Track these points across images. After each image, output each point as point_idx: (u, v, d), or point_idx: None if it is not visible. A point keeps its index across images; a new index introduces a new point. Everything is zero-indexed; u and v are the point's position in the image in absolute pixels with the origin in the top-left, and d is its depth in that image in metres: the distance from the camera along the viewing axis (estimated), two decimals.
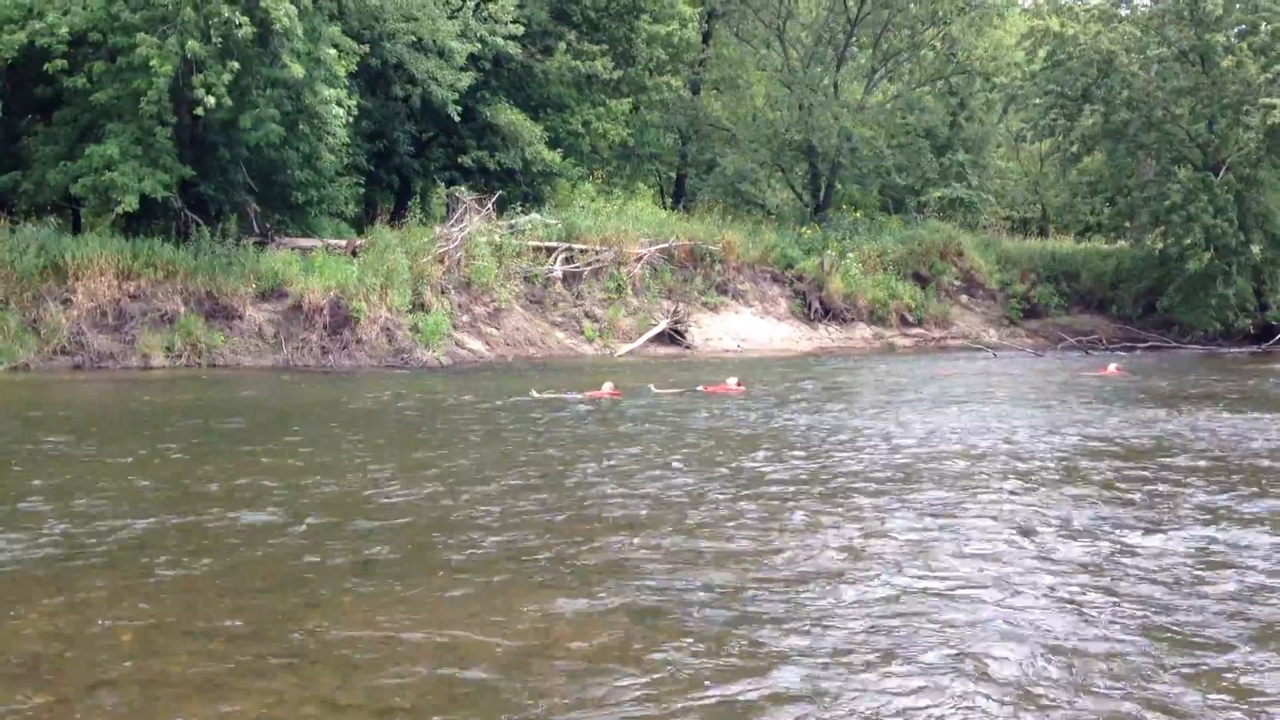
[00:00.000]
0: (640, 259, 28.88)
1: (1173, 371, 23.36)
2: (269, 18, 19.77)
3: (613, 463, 10.84)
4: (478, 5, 26.96)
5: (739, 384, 17.63)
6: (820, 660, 5.57)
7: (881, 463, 11.04)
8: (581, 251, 28.06)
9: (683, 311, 28.22)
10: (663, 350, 26.82)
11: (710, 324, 29.15)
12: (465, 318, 24.63)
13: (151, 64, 19.49)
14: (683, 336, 27.68)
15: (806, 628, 6.04)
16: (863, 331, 31.39)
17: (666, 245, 29.72)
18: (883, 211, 38.96)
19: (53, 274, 20.00)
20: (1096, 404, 16.63)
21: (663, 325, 27.59)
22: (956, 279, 34.10)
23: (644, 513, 8.69)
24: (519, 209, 28.13)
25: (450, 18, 25.91)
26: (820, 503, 9.12)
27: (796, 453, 11.49)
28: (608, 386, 16.47)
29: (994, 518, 8.61)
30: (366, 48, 23.97)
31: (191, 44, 19.53)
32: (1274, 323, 32.77)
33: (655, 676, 5.33)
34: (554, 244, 27.72)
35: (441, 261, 24.67)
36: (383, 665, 5.46)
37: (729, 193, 36.58)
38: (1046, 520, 8.57)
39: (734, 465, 10.75)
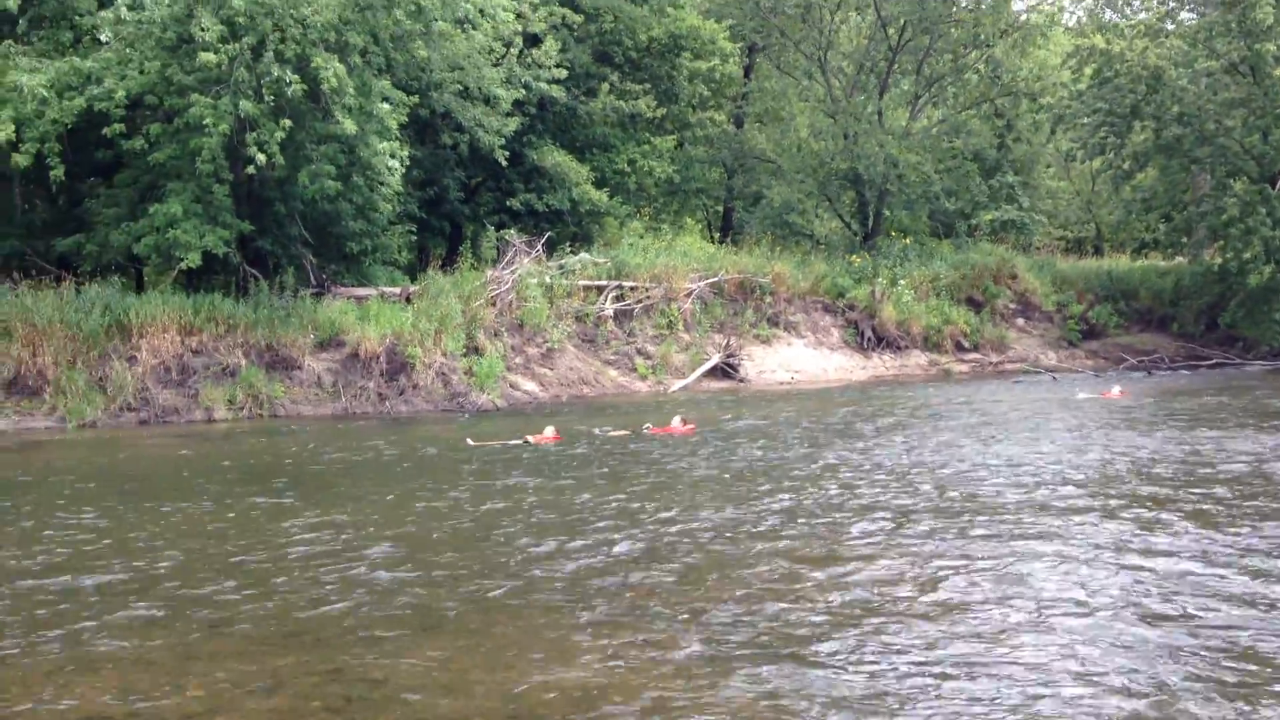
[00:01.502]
0: (690, 294, 28.94)
1: (1195, 392, 22.80)
2: (318, 77, 20.21)
3: (612, 505, 10.86)
4: (521, 52, 27.37)
5: (685, 422, 17.24)
6: (886, 698, 5.51)
7: (787, 502, 10.99)
8: (631, 289, 28.20)
9: (735, 345, 28.21)
10: (716, 385, 26.80)
11: (763, 356, 29.09)
12: (519, 359, 24.81)
13: (206, 124, 19.98)
14: (736, 370, 27.64)
15: (870, 663, 5.99)
16: (918, 359, 31.13)
17: (716, 279, 29.77)
18: (933, 236, 38.71)
19: (117, 332, 20.45)
20: (1064, 431, 16.51)
21: (715, 360, 27.59)
22: (1011, 302, 33.75)
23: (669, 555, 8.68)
24: (568, 249, 28.36)
25: (495, 65, 26.31)
26: (853, 537, 9.05)
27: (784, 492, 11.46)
28: (549, 431, 16.23)
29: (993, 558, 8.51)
30: (415, 98, 24.39)
31: (244, 103, 20.01)
32: None
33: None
34: (604, 282, 27.88)
35: (493, 304, 24.92)
36: (451, 713, 5.49)
37: (776, 224, 36.58)
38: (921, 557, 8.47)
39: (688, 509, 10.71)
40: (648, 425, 17.29)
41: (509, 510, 10.77)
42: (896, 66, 37.44)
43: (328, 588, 7.91)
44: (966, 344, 31.90)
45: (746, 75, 38.54)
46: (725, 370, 27.57)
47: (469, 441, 15.93)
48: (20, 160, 20.18)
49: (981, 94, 38.70)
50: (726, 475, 12.80)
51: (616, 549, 8.98)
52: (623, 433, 16.93)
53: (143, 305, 20.80)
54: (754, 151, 37.89)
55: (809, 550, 8.81)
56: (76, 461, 15.13)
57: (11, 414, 19.27)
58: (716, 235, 39.89)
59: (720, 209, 41.13)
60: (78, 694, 5.87)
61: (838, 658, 6.22)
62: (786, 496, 11.20)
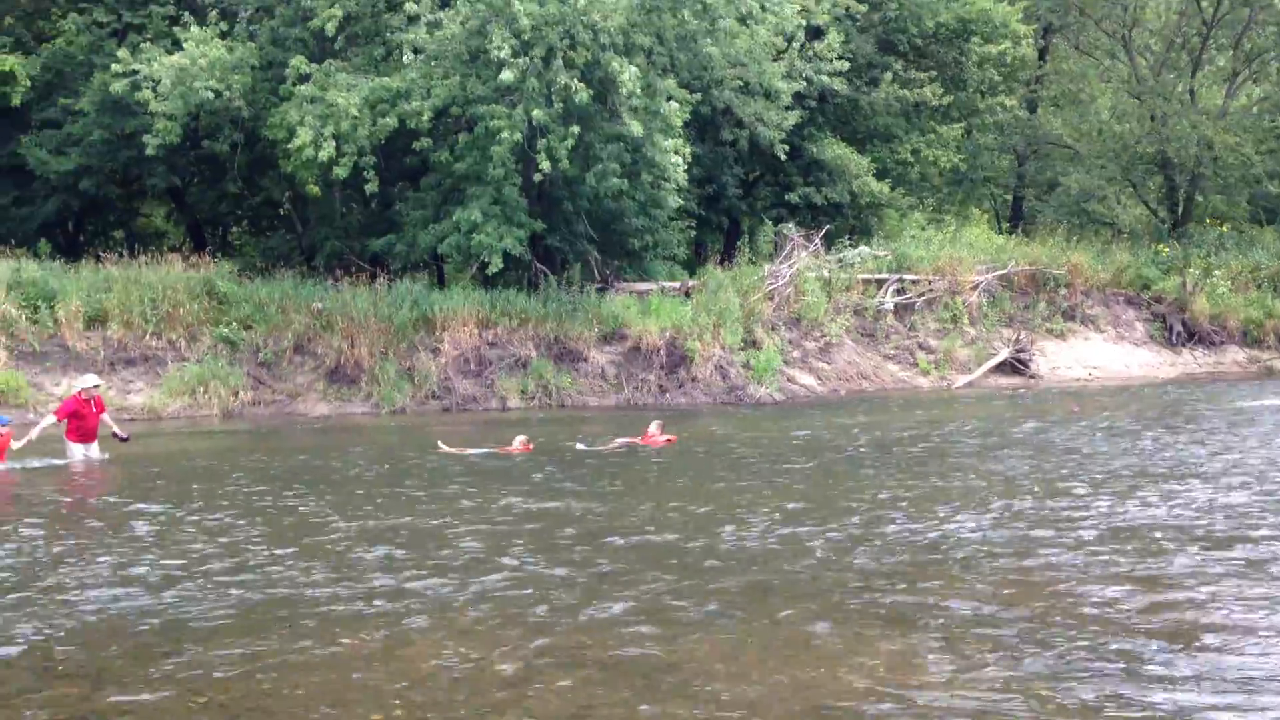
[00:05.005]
0: (976, 287, 27.82)
1: None
2: (615, 81, 20.83)
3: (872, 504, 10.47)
4: (803, 45, 27.14)
5: (661, 430, 15.27)
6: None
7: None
8: (913, 282, 27.42)
9: (1025, 340, 26.86)
10: (1004, 381, 25.64)
11: (1056, 352, 27.58)
12: (796, 353, 24.69)
13: (501, 134, 21.02)
14: (1026, 366, 26.32)
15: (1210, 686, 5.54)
16: (1235, 355, 28.65)
17: (1004, 271, 28.47)
18: (1253, 223, 35.40)
19: (423, 326, 22.00)
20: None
21: (1003, 355, 26.38)
22: None
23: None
24: (847, 242, 27.92)
25: (775, 59, 26.24)
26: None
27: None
28: (518, 441, 14.79)
29: None
30: (698, 96, 24.71)
31: (536, 111, 20.91)
32: None
33: None
34: (884, 276, 27.28)
35: (771, 299, 24.91)
36: (742, 700, 5.52)
37: (1073, 213, 34.57)
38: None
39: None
40: (619, 439, 15.29)
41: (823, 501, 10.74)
42: (1211, 41, 34.42)
43: (604, 575, 8.16)
44: None
45: (1041, 58, 36.62)
46: (1015, 366, 26.31)
47: (441, 446, 14.84)
48: (340, 173, 22.06)
49: None
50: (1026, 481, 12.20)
51: (890, 553, 8.76)
52: (614, 445, 14.99)
53: (445, 300, 22.26)
54: (1049, 136, 35.92)
55: (1098, 564, 8.26)
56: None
57: (333, 400, 21.14)
58: (1005, 225, 38.11)
59: (1009, 198, 39.31)
60: (402, 659, 6.34)
61: (1119, 659, 5.78)
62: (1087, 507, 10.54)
